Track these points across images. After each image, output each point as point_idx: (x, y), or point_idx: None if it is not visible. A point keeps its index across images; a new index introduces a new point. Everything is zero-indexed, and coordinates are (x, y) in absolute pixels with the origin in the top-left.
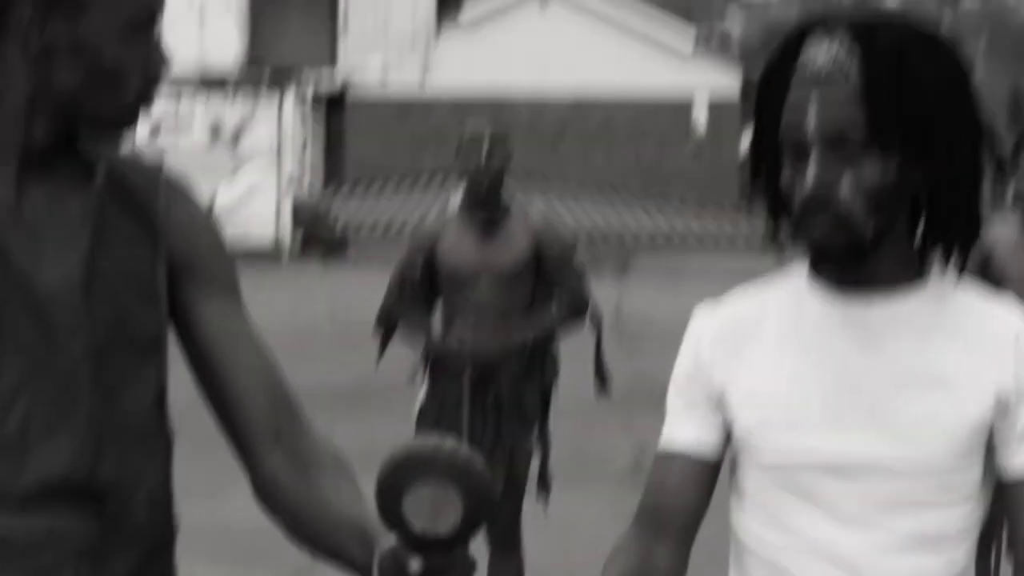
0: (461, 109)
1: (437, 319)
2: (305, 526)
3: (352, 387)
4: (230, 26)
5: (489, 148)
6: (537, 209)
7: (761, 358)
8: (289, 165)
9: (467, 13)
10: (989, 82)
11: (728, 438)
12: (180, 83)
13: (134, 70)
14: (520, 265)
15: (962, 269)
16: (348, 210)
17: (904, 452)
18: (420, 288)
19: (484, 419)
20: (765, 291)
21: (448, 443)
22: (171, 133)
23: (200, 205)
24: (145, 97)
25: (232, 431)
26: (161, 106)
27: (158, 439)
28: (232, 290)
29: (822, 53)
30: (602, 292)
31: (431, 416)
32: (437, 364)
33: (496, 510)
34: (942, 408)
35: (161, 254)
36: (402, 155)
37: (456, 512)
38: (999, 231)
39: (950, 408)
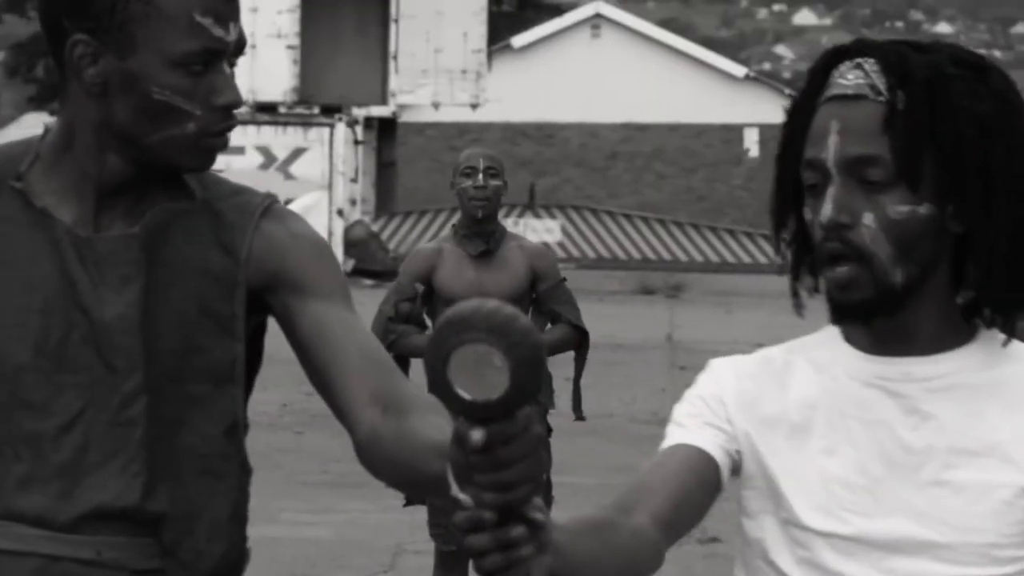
0: (513, 135)
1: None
2: (399, 464)
3: None
4: (282, 58)
5: (485, 173)
6: (586, 234)
7: (786, 426)
8: (340, 194)
9: (518, 39)
10: None
11: (736, 470)
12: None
13: (192, 104)
14: (516, 291)
15: (1009, 331)
16: (399, 238)
17: (953, 538)
18: (415, 314)
19: None
20: (793, 350)
21: (489, 302)
22: (223, 155)
23: (297, 225)
24: (212, 131)
25: (333, 403)
26: None
27: (227, 468)
28: (330, 294)
29: (851, 77)
30: (654, 318)
31: None
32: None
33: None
34: (997, 481)
35: (241, 284)
36: None
37: (504, 374)
38: None
39: (1007, 480)
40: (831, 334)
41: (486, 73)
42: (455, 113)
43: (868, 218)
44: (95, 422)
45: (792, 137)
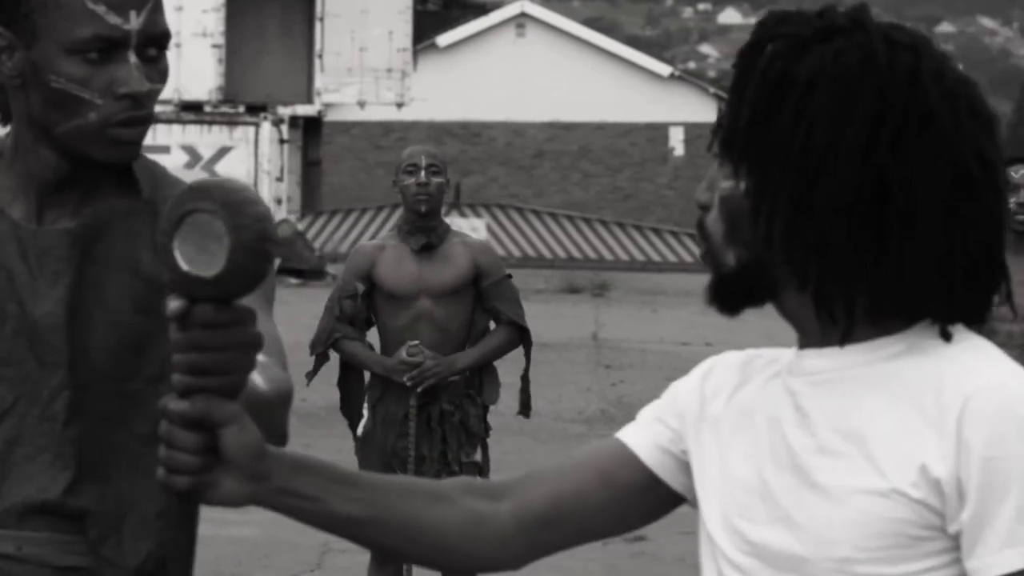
0: (438, 134)
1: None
2: None
3: (328, 405)
4: (207, 57)
5: (427, 170)
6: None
7: (723, 426)
8: (266, 193)
9: (444, 38)
10: None
11: (690, 476)
12: (157, 111)
13: (91, 92)
14: (459, 286)
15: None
16: (325, 237)
17: (812, 550)
18: (358, 311)
19: (431, 437)
20: (785, 351)
21: (239, 182)
22: (149, 154)
23: None
24: (115, 120)
25: None
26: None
27: (155, 467)
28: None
29: None
30: (579, 317)
31: (376, 437)
32: (380, 385)
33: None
34: (855, 484)
35: None
36: (378, 182)
37: (223, 253)
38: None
39: (864, 484)
40: None
41: (411, 72)
42: (380, 112)
43: (715, 198)
44: (27, 416)
45: None
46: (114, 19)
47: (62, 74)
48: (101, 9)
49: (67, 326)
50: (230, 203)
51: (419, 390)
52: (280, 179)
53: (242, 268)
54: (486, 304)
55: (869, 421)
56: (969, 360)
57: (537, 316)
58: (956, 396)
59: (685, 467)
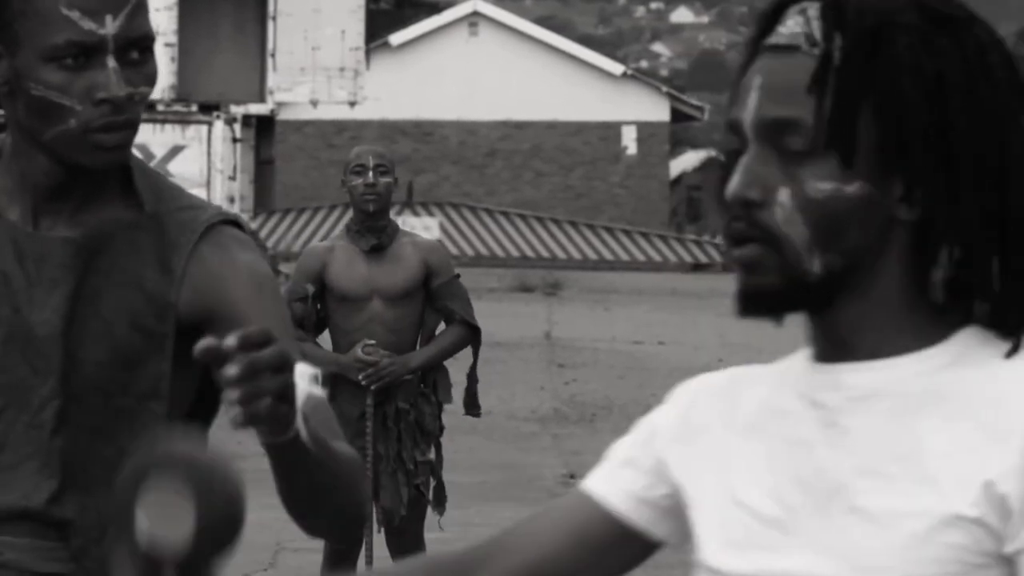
0: (391, 133)
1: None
2: None
3: None
4: (159, 56)
5: (375, 170)
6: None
7: (717, 451)
8: (219, 192)
9: (396, 37)
10: None
11: (672, 519)
12: None
13: (70, 99)
14: (409, 286)
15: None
16: (278, 235)
17: (850, 571)
18: (308, 313)
19: (386, 436)
20: (768, 366)
21: (203, 446)
22: None
23: (239, 254)
24: (94, 126)
25: None
26: None
27: None
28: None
29: (790, 23)
30: (532, 315)
31: None
32: (335, 387)
33: (402, 525)
34: (909, 508)
35: (172, 305)
36: (331, 181)
37: (188, 521)
38: None
39: (921, 507)
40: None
41: (364, 71)
42: (333, 111)
43: (784, 194)
44: (15, 422)
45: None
46: (88, 24)
47: (41, 81)
48: (75, 15)
49: (62, 335)
50: (193, 470)
51: (373, 388)
52: (233, 178)
53: (212, 538)
54: (436, 304)
55: (924, 438)
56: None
57: (490, 315)
58: (1019, 409)
59: (666, 512)
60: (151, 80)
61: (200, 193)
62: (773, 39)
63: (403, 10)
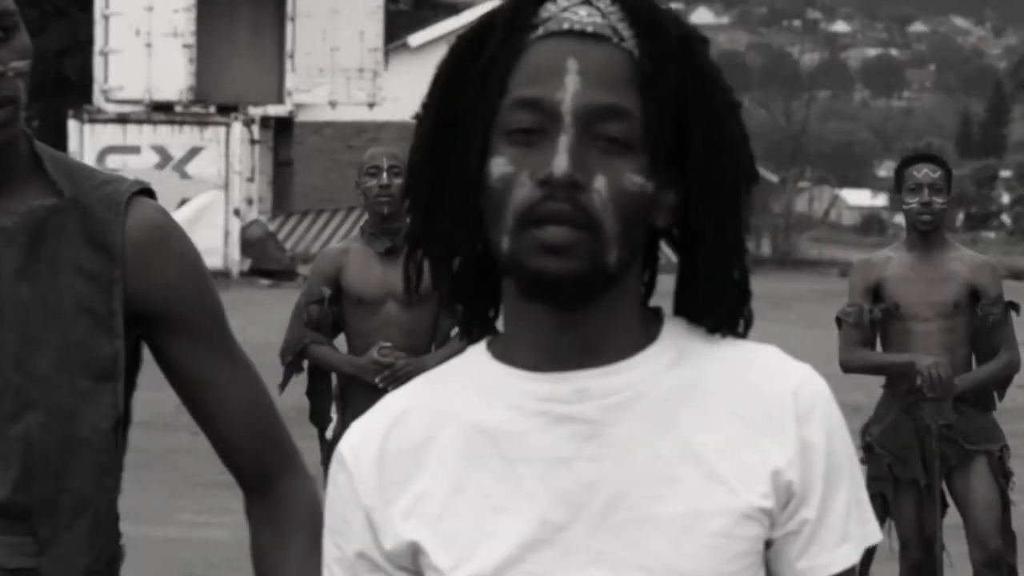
0: (409, 134)
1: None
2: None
3: (299, 407)
4: (178, 57)
5: (389, 172)
6: None
7: (441, 486)
8: (237, 194)
9: (415, 38)
10: (937, 111)
11: None
12: (127, 111)
13: None
14: (425, 289)
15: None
16: (296, 237)
17: None
18: (324, 316)
19: None
20: (429, 391)
21: None
22: (119, 155)
23: (173, 246)
24: None
25: (229, 470)
26: (108, 133)
27: (113, 463)
28: (208, 335)
29: (582, 13)
30: None
31: None
32: (350, 389)
33: None
34: (706, 508)
35: (118, 281)
36: (350, 182)
37: None
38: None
39: (717, 506)
40: (473, 358)
41: (383, 72)
42: (352, 112)
43: (600, 182)
44: None
45: (464, 75)
46: None
47: None
48: None
49: (14, 324)
50: None
51: (389, 390)
52: (251, 179)
53: None
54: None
55: (693, 437)
56: (762, 359)
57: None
58: (779, 397)
59: None
60: (23, 53)
61: (218, 195)
62: (573, 25)
63: (422, 11)
